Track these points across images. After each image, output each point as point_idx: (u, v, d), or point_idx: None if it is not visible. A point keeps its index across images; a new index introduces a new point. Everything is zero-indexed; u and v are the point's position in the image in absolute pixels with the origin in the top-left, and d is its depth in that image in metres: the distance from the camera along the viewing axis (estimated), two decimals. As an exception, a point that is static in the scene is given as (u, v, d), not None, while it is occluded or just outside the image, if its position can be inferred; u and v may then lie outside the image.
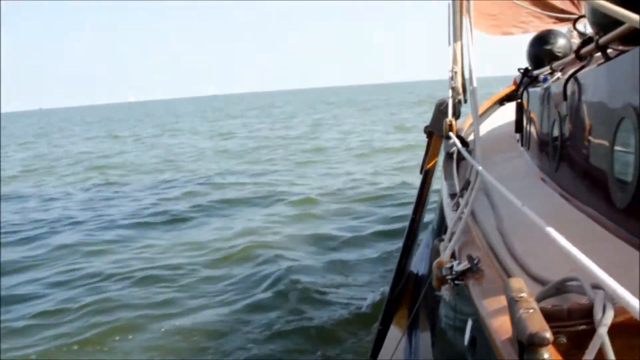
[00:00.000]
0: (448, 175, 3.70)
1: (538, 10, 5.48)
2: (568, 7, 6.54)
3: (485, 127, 5.67)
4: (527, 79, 4.48)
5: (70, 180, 18.87)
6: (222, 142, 29.49)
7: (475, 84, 2.98)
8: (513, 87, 6.14)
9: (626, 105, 1.95)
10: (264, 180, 15.43)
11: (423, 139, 5.28)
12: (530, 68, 4.47)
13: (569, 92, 2.79)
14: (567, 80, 2.79)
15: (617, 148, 2.08)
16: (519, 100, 4.50)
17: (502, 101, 6.42)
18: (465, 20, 4.76)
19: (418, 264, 5.43)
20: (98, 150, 29.90)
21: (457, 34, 4.95)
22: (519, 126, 4.41)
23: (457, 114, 5.02)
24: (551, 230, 1.35)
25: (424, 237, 6.13)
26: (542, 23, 6.34)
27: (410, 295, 4.84)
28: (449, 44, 5.03)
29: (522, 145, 4.27)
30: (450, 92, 4.93)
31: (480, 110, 6.27)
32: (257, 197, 13.05)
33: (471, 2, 3.77)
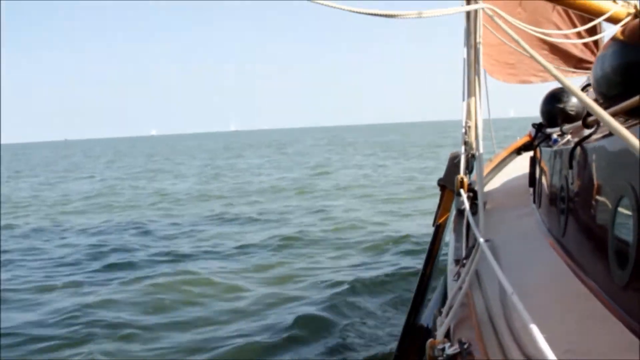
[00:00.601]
0: (457, 236, 3.68)
1: (551, 68, 5.48)
2: (587, 55, 6.56)
3: (501, 178, 5.64)
4: (541, 134, 4.46)
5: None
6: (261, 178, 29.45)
7: (482, 149, 2.98)
8: (529, 138, 6.13)
9: (626, 184, 1.95)
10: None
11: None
12: (544, 124, 4.47)
13: (575, 160, 2.79)
14: (573, 148, 2.79)
15: (616, 225, 2.06)
16: (533, 155, 4.48)
17: (519, 150, 6.41)
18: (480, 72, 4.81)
19: (428, 319, 5.35)
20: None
21: (471, 89, 4.99)
22: (532, 181, 4.39)
23: (470, 168, 5.03)
24: (533, 329, 1.34)
25: (437, 290, 6.05)
26: (561, 72, 6.33)
27: (417, 352, 4.76)
28: (463, 99, 5.07)
29: (534, 201, 4.25)
30: (463, 147, 4.94)
31: (498, 159, 6.25)
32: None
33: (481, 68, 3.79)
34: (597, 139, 2.55)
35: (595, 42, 6.97)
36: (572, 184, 2.82)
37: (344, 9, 2.34)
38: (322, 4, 2.19)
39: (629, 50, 2.20)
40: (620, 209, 2.02)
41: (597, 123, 2.63)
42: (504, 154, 6.31)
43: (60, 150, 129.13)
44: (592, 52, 7.46)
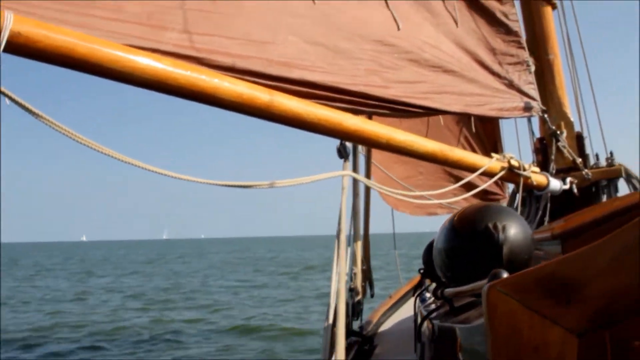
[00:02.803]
0: None
1: (449, 205, 5.36)
2: (493, 188, 6.56)
3: (398, 316, 5.53)
4: (421, 283, 4.37)
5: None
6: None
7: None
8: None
9: None
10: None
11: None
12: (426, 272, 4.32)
13: (423, 330, 2.78)
14: (423, 319, 2.79)
15: None
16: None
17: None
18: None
19: None
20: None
21: (357, 235, 4.76)
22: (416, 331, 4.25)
23: (357, 314, 4.95)
24: None
25: None
26: (467, 202, 6.31)
27: None
28: (349, 243, 4.81)
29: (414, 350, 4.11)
30: (347, 294, 4.72)
31: (398, 295, 6.06)
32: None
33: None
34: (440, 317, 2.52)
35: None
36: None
37: (199, 182, 2.34)
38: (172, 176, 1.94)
39: (455, 235, 2.16)
40: None
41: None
42: (405, 288, 6.10)
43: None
44: (498, 185, 7.60)
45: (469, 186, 5.08)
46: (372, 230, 5.44)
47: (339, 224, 2.68)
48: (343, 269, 2.58)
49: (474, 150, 7.90)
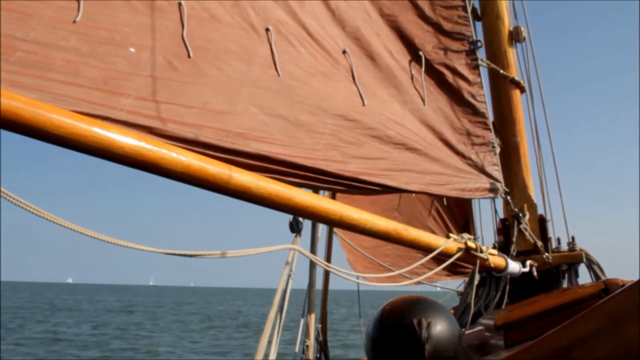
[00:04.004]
0: None
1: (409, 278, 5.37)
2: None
3: None
4: None
5: None
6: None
7: None
8: None
9: None
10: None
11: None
12: None
13: None
14: None
15: None
16: None
17: None
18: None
19: None
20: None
21: (311, 306, 4.71)
22: None
23: None
24: None
25: None
26: (436, 275, 6.32)
27: None
28: (302, 315, 4.75)
29: None
30: None
31: None
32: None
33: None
34: None
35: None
36: None
37: (144, 250, 2.31)
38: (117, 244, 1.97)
39: (382, 327, 2.18)
40: None
41: None
42: None
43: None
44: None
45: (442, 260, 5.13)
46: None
47: (274, 302, 2.67)
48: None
49: (444, 224, 7.97)
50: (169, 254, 2.48)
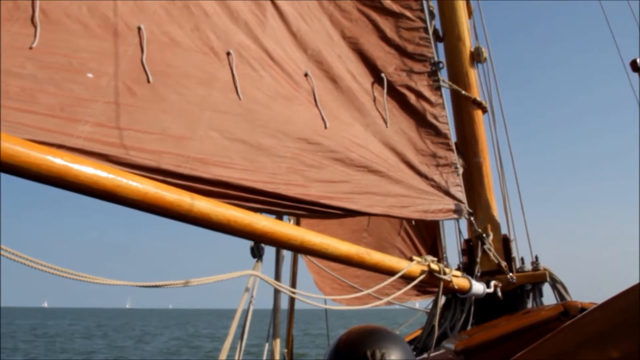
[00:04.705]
0: None
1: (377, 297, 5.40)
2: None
3: None
4: None
5: None
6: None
7: None
8: None
9: None
10: None
11: None
12: None
13: None
14: None
15: None
16: None
17: None
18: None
19: None
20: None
21: (276, 331, 4.69)
22: None
23: None
24: None
25: None
26: (405, 295, 6.37)
27: None
28: (267, 339, 4.74)
29: None
30: None
31: None
32: None
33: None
34: None
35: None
36: None
37: (104, 283, 2.27)
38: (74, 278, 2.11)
39: (336, 357, 2.18)
40: None
41: None
42: None
43: None
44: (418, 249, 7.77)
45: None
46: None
47: (230, 333, 2.68)
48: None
49: (413, 244, 8.04)
50: (135, 285, 2.49)
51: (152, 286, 2.48)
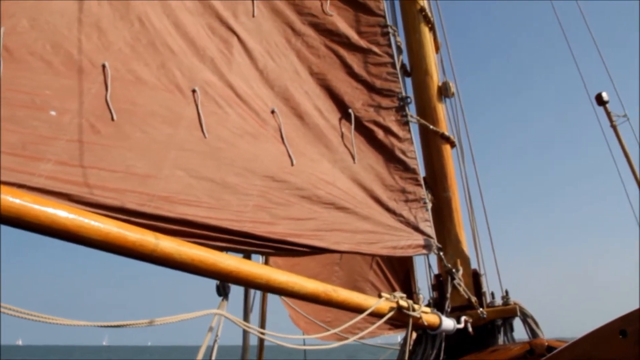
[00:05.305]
0: None
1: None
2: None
3: None
4: None
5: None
6: None
7: None
8: None
9: None
10: None
11: None
12: None
13: None
14: None
15: None
16: None
17: None
18: None
19: None
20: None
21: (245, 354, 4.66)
22: None
23: None
24: None
25: None
26: (378, 329, 6.36)
27: None
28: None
29: None
30: None
31: None
32: None
33: None
34: None
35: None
36: None
37: (66, 324, 2.29)
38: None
39: None
40: None
41: None
42: None
43: None
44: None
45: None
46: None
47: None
48: None
49: (386, 278, 8.07)
50: (98, 326, 2.47)
51: (114, 326, 2.47)
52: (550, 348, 3.39)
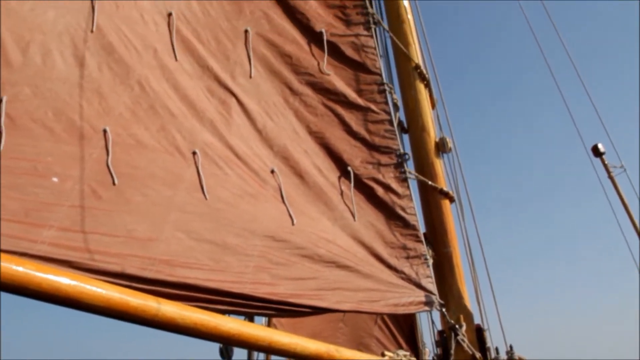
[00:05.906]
0: None
1: None
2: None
3: None
4: None
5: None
6: None
7: None
8: None
9: None
10: None
11: None
12: None
13: None
14: None
15: None
16: None
17: None
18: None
19: None
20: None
21: None
22: None
23: None
24: None
25: None
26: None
27: None
28: None
29: None
30: None
31: None
32: None
33: None
34: None
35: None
36: None
37: None
38: None
39: None
40: None
41: None
42: None
43: None
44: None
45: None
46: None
47: None
48: None
49: (391, 333, 8.01)
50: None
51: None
52: None
